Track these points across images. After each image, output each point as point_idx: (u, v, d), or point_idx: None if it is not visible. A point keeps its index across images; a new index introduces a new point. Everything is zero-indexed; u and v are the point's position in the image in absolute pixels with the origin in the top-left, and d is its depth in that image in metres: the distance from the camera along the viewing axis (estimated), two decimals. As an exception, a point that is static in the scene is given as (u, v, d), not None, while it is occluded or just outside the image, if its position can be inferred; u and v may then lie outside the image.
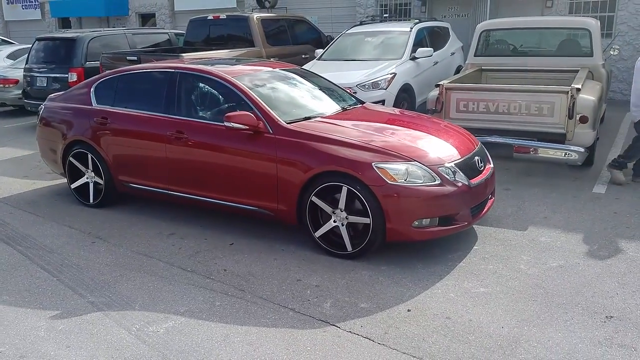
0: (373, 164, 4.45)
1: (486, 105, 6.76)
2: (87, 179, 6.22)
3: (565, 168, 7.08)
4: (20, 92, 11.92)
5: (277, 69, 6.01)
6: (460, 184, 4.55)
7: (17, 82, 12.43)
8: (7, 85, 12.58)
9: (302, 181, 4.70)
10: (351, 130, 4.89)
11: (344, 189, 4.54)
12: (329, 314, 3.86)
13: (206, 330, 3.68)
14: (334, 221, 4.69)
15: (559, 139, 6.56)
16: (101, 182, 6.08)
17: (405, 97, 8.83)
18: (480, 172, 4.90)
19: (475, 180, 4.72)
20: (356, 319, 3.80)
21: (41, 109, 6.66)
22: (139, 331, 3.69)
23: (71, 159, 6.24)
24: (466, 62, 8.71)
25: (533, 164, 7.09)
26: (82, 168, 6.22)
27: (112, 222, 5.75)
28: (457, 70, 10.93)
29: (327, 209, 4.68)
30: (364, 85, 8.26)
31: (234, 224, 5.50)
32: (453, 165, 4.62)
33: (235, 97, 5.22)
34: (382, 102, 8.17)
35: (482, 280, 4.31)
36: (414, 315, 3.83)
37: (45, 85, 11.05)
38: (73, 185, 6.33)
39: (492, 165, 5.21)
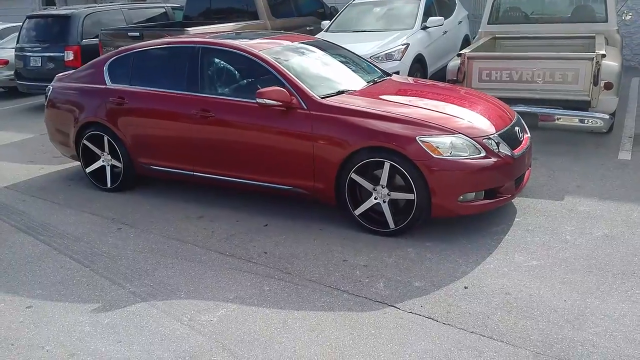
0: (417, 137, 4.30)
1: (509, 74, 6.61)
2: (104, 162, 5.99)
3: (587, 135, 6.97)
4: (11, 72, 11.53)
5: (296, 42, 5.78)
6: (504, 155, 4.42)
7: (6, 62, 12.02)
8: (-4, 66, 12.17)
9: (340, 158, 4.53)
10: (388, 104, 4.72)
11: (387, 165, 4.38)
12: (385, 294, 3.74)
13: (262, 317, 3.54)
14: (375, 198, 4.54)
15: (583, 106, 6.44)
16: (119, 165, 5.86)
17: (418, 67, 8.64)
18: (521, 142, 4.78)
19: (517, 151, 4.60)
20: (414, 298, 3.68)
21: (49, 90, 6.38)
22: (192, 321, 3.53)
23: (85, 141, 5.99)
24: (479, 30, 8.50)
25: (555, 132, 6.97)
26: (98, 151, 5.98)
27: (134, 206, 5.55)
28: (465, 40, 10.74)
29: (368, 186, 4.53)
30: (377, 57, 8.05)
31: (265, 205, 5.34)
32: (497, 136, 4.48)
33: (264, 72, 5.00)
34: (397, 73, 7.96)
35: (531, 253, 4.20)
36: (472, 292, 3.71)
37: (39, 65, 10.68)
38: (88, 169, 6.10)
39: (529, 135, 5.08)
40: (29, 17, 11.14)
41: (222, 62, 5.31)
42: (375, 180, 4.50)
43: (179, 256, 4.44)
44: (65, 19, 10.48)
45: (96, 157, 6.04)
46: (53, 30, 10.72)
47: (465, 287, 3.77)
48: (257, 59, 5.04)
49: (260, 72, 5.05)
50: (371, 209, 4.60)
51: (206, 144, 5.18)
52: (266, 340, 3.32)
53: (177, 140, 5.34)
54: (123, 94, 5.65)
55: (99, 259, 4.46)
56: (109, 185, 5.99)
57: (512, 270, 3.96)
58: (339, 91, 4.93)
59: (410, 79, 6.22)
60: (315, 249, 4.43)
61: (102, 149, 5.93)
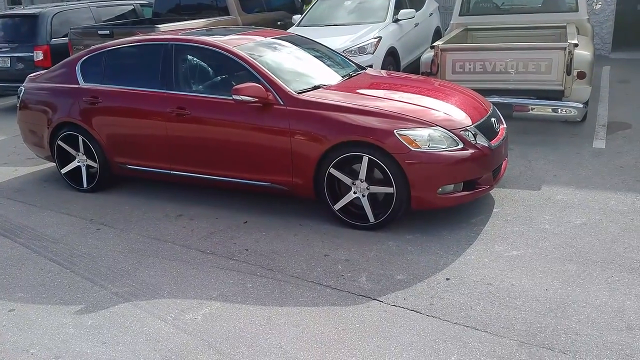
0: (395, 131, 4.31)
1: (483, 65, 6.67)
2: (79, 162, 5.90)
3: (561, 125, 7.08)
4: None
5: (270, 37, 5.75)
6: (481, 147, 4.46)
7: (-26, 63, 11.74)
8: (-35, 68, 11.87)
9: (319, 153, 4.53)
10: (364, 98, 4.73)
11: (365, 159, 4.39)
12: (367, 288, 3.75)
13: (246, 314, 3.53)
14: (354, 192, 4.55)
15: (557, 96, 6.53)
16: (94, 165, 5.78)
17: (391, 60, 8.67)
18: (497, 133, 4.83)
19: (494, 142, 4.64)
20: (396, 291, 3.70)
21: (21, 90, 6.26)
22: (176, 320, 3.51)
23: (60, 142, 5.90)
24: (451, 22, 8.57)
25: (530, 122, 7.06)
26: (73, 151, 5.89)
27: (112, 206, 5.48)
28: (436, 32, 10.80)
29: (347, 180, 4.54)
30: (350, 51, 8.06)
31: (243, 202, 5.31)
32: (474, 128, 4.52)
33: (239, 69, 4.97)
34: (370, 66, 7.98)
35: (511, 243, 4.25)
36: (454, 283, 3.75)
37: (8, 65, 10.45)
38: (63, 170, 6.00)
39: (505, 126, 5.13)
40: (-4, 17, 10.91)
41: (196, 59, 5.27)
42: (354, 175, 4.51)
43: (160, 255, 4.40)
44: (33, 18, 10.28)
45: (71, 158, 5.95)
46: (21, 30, 10.51)
47: (447, 279, 3.81)
48: (231, 55, 5.00)
49: (235, 68, 5.02)
50: (351, 203, 4.62)
51: (183, 142, 5.14)
52: (251, 337, 3.31)
53: (153, 139, 5.29)
54: (96, 93, 5.57)
55: (79, 260, 4.40)
56: (85, 186, 5.91)
57: (493, 261, 4.01)
58: (315, 86, 4.93)
59: (385, 72, 6.23)
60: (296, 245, 4.43)
61: (77, 150, 5.85)
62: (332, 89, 4.93)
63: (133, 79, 5.46)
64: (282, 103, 4.69)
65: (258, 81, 4.78)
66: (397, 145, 4.29)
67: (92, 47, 5.89)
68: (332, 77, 5.29)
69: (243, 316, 3.51)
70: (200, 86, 5.20)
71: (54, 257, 4.48)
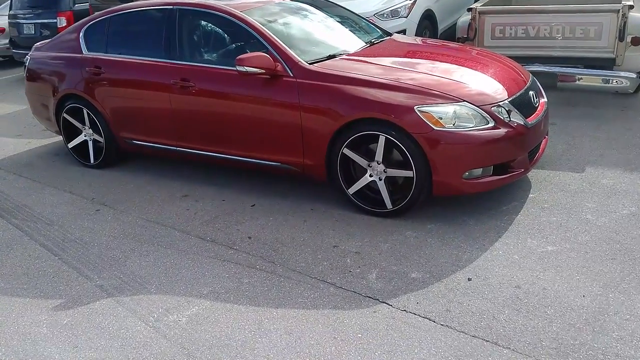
0: (415, 107, 3.79)
1: (525, 30, 6.02)
2: (85, 136, 5.59)
3: (611, 97, 6.36)
4: (7, 41, 11.13)
5: (286, 0, 5.22)
6: (516, 125, 3.89)
7: (3, 30, 11.60)
8: (-8, 35, 11.76)
9: (331, 131, 4.05)
10: (384, 69, 4.20)
11: (382, 139, 3.90)
12: (377, 288, 3.30)
13: (235, 317, 3.14)
14: (370, 175, 4.07)
15: (607, 64, 5.87)
16: (101, 139, 5.45)
17: (428, 24, 8.01)
18: (536, 109, 4.24)
19: (531, 119, 4.07)
20: (409, 293, 3.24)
21: (27, 60, 5.96)
22: (157, 322, 3.14)
23: (65, 115, 5.59)
24: (493, -19, 7.83)
25: (575, 93, 6.38)
26: (79, 125, 5.58)
27: (117, 184, 5.16)
28: (480, -8, 10.01)
29: (362, 162, 4.06)
30: (382, 14, 7.44)
31: (254, 182, 4.90)
32: (507, 103, 3.95)
33: (246, 36, 4.51)
34: (403, 31, 7.38)
35: (546, 236, 3.72)
36: (477, 285, 3.26)
37: (33, 32, 10.25)
38: (70, 145, 5.71)
39: (545, 100, 4.53)
40: (20, -19, 10.65)
41: (201, 25, 4.82)
42: (371, 156, 4.03)
43: (155, 242, 4.04)
44: (57, -18, 9.98)
45: (78, 132, 5.63)
46: (45, -5, 10.25)
47: (469, 279, 3.32)
48: (238, 21, 4.52)
49: (242, 35, 4.56)
50: (367, 187, 4.14)
51: (187, 116, 4.73)
52: (237, 346, 2.92)
53: (158, 113, 4.90)
54: (99, 62, 5.20)
55: (70, 246, 4.09)
56: (92, 161, 5.60)
57: (524, 258, 3.49)
58: (329, 55, 4.41)
59: (414, 39, 5.65)
60: (304, 233, 4.00)
61: (84, 123, 5.52)
62: (349, 59, 4.41)
63: (136, 48, 5.07)
64: (291, 74, 4.21)
65: (266, 50, 4.31)
66: (418, 123, 3.77)
67: (95, 13, 5.51)
68: (351, 44, 4.76)
69: (232, 319, 3.12)
70: (206, 55, 4.75)
71: (45, 241, 4.19)
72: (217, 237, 4.05)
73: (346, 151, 4.05)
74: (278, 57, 4.26)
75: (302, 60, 4.24)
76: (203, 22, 4.79)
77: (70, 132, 5.67)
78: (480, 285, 3.26)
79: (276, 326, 3.03)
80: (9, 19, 10.72)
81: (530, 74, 4.62)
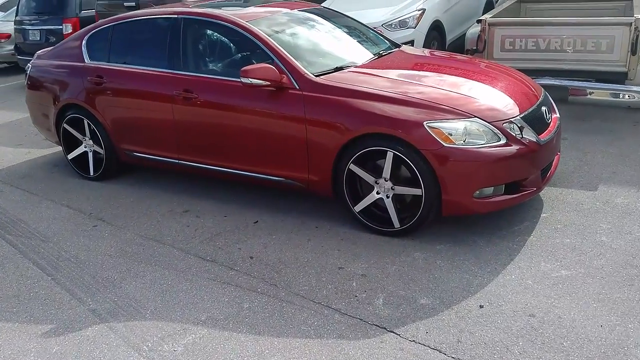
0: (424, 123, 3.64)
1: (535, 42, 5.88)
2: (85, 148, 5.45)
3: (623, 111, 6.18)
4: (12, 47, 11.04)
5: (295, 10, 5.09)
6: (528, 142, 3.74)
7: (9, 36, 11.51)
8: (-1, 41, 11.68)
9: (337, 146, 3.90)
10: (392, 82, 4.06)
11: (389, 155, 3.75)
12: (384, 315, 3.15)
13: (234, 347, 2.97)
14: (377, 193, 3.92)
15: (619, 78, 5.72)
16: (101, 151, 5.31)
17: (436, 35, 7.87)
18: (548, 125, 4.09)
19: (544, 136, 3.92)
20: (418, 321, 3.08)
21: (28, 68, 5.84)
22: (152, 351, 2.98)
23: (65, 125, 5.46)
24: (503, -8, 7.71)
25: (587, 106, 6.22)
26: (79, 136, 5.45)
27: (116, 198, 5.02)
28: (488, 3, 9.87)
29: (369, 178, 3.91)
30: (391, 25, 7.31)
31: (257, 196, 4.76)
32: (519, 119, 3.80)
33: (251, 47, 4.38)
34: (411, 42, 7.25)
35: (560, 259, 3.56)
36: (489, 313, 3.10)
37: (38, 39, 10.15)
38: (70, 156, 5.57)
39: (558, 115, 4.38)
40: (27, -12, 10.57)
41: (205, 35, 4.69)
42: (378, 172, 3.88)
43: (153, 261, 3.89)
44: (63, -11, 9.89)
45: (78, 142, 5.50)
46: (51, 2, 10.16)
47: (481, 307, 3.16)
48: (243, 31, 4.39)
49: (247, 46, 4.43)
50: (374, 204, 3.99)
51: (190, 129, 4.60)
52: (237, 378, 2.77)
53: (160, 125, 4.77)
54: (101, 72, 5.08)
55: (64, 265, 3.95)
56: (91, 173, 5.46)
57: (538, 283, 3.33)
58: (337, 67, 4.27)
59: (422, 51, 5.51)
60: (308, 253, 3.85)
61: (84, 134, 5.40)
62: (357, 71, 4.27)
63: (139, 57, 4.94)
64: (297, 87, 4.07)
65: (271, 61, 4.17)
66: (427, 139, 3.62)
67: (99, 21, 5.38)
68: (359, 56, 4.62)
69: (231, 350, 2.96)
70: (210, 66, 4.62)
71: (39, 259, 4.04)
72: (218, 256, 3.90)
73: (353, 167, 3.91)
74: (284, 68, 4.12)
75: (309, 72, 4.10)
76: (208, 32, 4.66)
77: (70, 142, 5.54)
78: (493, 313, 3.10)
79: (277, 357, 2.88)
80: (14, 24, 10.63)
81: (543, 89, 4.47)
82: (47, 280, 3.76)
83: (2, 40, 11.69)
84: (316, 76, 4.09)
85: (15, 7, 11.08)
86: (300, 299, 3.34)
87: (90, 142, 5.38)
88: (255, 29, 4.38)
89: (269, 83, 4.06)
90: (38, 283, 3.74)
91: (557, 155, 4.30)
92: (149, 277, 3.70)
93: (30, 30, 10.31)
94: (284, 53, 4.19)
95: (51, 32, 10.02)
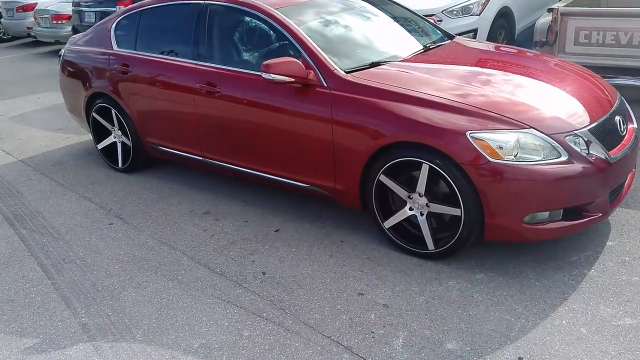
0: (467, 132, 3.09)
1: (616, 36, 5.12)
2: (115, 138, 5.19)
3: None
4: (70, 28, 11.10)
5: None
6: (595, 159, 3.12)
7: (69, 17, 11.58)
8: (60, 22, 11.78)
9: (366, 153, 3.41)
10: (434, 81, 3.51)
11: (425, 167, 3.23)
12: None
13: (224, 385, 2.58)
14: (410, 209, 3.41)
15: None
16: (129, 142, 5.03)
17: (503, 23, 7.15)
18: (622, 138, 3.44)
19: (616, 152, 3.27)
20: (441, 371, 2.58)
21: (61, 53, 5.63)
22: (132, 383, 2.64)
23: (94, 114, 5.21)
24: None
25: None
26: (108, 125, 5.19)
27: (139, 193, 4.73)
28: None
29: (401, 192, 3.40)
30: (452, 11, 6.67)
31: (284, 200, 4.35)
32: (586, 132, 3.18)
33: (278, 37, 3.94)
34: (474, 31, 6.60)
35: (625, 302, 2.95)
36: (529, 368, 2.56)
37: (93, 20, 10.08)
38: (100, 146, 5.34)
39: (635, 125, 3.70)
40: (83, -30, 10.54)
41: (230, 23, 4.25)
42: (412, 185, 3.37)
43: (159, 271, 3.55)
44: (117, -30, 9.78)
45: (108, 132, 5.25)
46: (106, -16, 10.10)
47: (520, 359, 2.62)
48: (270, 19, 3.94)
49: (274, 37, 3.98)
50: (407, 220, 3.48)
51: (213, 124, 4.22)
52: None
53: (183, 119, 4.41)
54: (127, 60, 4.77)
55: (68, 268, 3.66)
56: (120, 165, 5.20)
57: (594, 333, 2.75)
58: (372, 63, 3.75)
59: (479, 43, 4.88)
60: (327, 272, 3.40)
61: (113, 123, 5.13)
62: (395, 67, 3.74)
63: (164, 46, 4.59)
64: (325, 84, 3.59)
65: (299, 54, 3.71)
66: (469, 152, 3.07)
67: (128, 6, 5.07)
68: (403, 49, 4.09)
69: (218, 388, 2.57)
70: (234, 58, 4.20)
71: (44, 259, 3.78)
72: (228, 269, 3.51)
73: (383, 178, 3.41)
74: (311, 63, 3.65)
75: (338, 69, 3.61)
76: (234, 20, 4.23)
77: (100, 132, 5.30)
78: (534, 369, 2.56)
79: (268, 405, 2.46)
80: (72, 6, 10.67)
81: (618, 94, 3.80)
82: (47, 285, 3.48)
83: (64, 22, 11.77)
84: (347, 72, 3.59)
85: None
86: (308, 330, 2.90)
87: (119, 132, 5.11)
88: (282, 17, 3.91)
89: (293, 79, 3.60)
90: (37, 287, 3.47)
91: (631, 172, 3.64)
92: (150, 289, 3.35)
93: (86, 12, 10.30)
94: (312, 45, 3.71)
95: (105, 14, 9.91)
